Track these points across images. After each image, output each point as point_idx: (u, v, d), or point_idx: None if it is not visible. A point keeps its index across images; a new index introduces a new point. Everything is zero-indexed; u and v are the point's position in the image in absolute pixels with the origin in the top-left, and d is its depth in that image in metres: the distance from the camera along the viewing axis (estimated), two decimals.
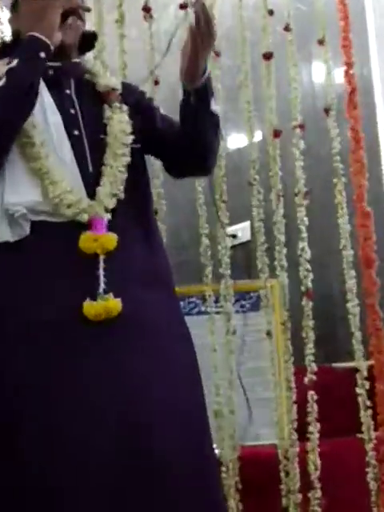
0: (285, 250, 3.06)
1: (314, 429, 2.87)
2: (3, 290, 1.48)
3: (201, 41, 1.55)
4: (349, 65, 3.01)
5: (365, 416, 2.88)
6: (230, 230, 4.12)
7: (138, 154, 1.64)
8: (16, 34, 1.64)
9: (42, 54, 1.45)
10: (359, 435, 2.90)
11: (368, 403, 2.89)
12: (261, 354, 3.28)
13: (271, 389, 3.11)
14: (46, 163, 1.49)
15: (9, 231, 1.47)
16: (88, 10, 1.62)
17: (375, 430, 2.89)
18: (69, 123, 1.55)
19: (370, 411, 2.88)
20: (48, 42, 1.46)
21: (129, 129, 1.62)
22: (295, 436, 2.87)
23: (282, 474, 2.86)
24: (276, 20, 3.47)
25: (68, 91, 1.59)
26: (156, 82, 3.33)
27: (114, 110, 1.62)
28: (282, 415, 3.01)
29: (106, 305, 1.42)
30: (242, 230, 4.23)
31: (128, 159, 1.58)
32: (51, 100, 1.55)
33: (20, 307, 1.45)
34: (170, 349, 1.50)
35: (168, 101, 3.97)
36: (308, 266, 3.04)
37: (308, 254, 3.05)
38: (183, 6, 3.39)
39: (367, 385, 2.92)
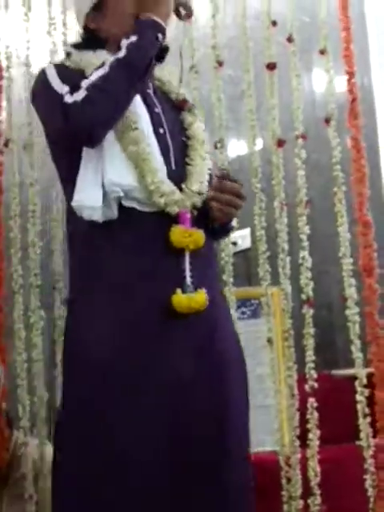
0: (288, 258, 3.12)
1: (314, 436, 2.92)
2: (92, 271, 1.53)
3: (225, 212, 1.55)
4: (350, 74, 3.08)
5: (363, 423, 2.93)
6: (231, 237, 4.19)
7: None
8: (92, 31, 1.68)
9: (160, 36, 1.49)
10: (358, 442, 2.94)
11: (367, 411, 2.94)
12: (261, 361, 3.33)
13: (272, 396, 3.15)
14: (146, 149, 1.52)
15: (100, 211, 1.49)
16: (189, 10, 1.68)
17: (374, 437, 2.94)
18: (155, 121, 1.59)
19: (368, 418, 2.93)
20: (165, 26, 1.51)
21: (206, 137, 1.68)
22: (297, 443, 2.92)
23: (283, 481, 2.91)
24: (278, 30, 3.55)
25: (149, 91, 1.64)
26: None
27: (193, 116, 1.68)
28: (283, 422, 3.06)
29: (196, 298, 1.48)
30: (241, 238, 4.28)
31: (210, 163, 1.65)
32: (139, 97, 1.58)
33: (110, 297, 1.50)
34: (232, 348, 1.62)
35: None
36: (309, 275, 3.10)
37: (309, 263, 3.11)
38: (188, 16, 3.54)
39: (366, 392, 2.97)
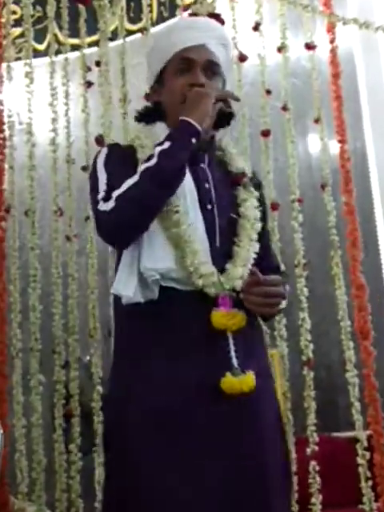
0: (284, 320, 3.16)
1: (317, 500, 2.91)
2: (138, 353, 1.54)
3: (259, 311, 1.54)
4: (342, 142, 3.19)
5: (365, 487, 2.92)
6: None
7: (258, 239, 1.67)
8: (156, 104, 1.72)
9: (193, 140, 1.52)
10: (361, 506, 2.93)
11: (368, 474, 2.93)
12: None
13: None
14: (187, 231, 1.54)
15: (139, 293, 1.52)
16: (237, 99, 1.65)
17: (376, 501, 2.93)
18: (203, 196, 1.60)
19: (370, 482, 2.92)
20: (200, 128, 1.53)
21: (259, 215, 1.65)
22: (296, 508, 2.91)
23: None
24: (274, 96, 3.68)
25: (202, 165, 1.65)
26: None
27: (248, 193, 1.65)
28: None
29: (246, 381, 1.47)
30: None
31: (258, 245, 1.63)
32: (189, 173, 1.59)
33: (155, 379, 1.50)
34: (273, 438, 1.55)
35: None
36: (308, 336, 3.14)
37: (308, 324, 3.16)
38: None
39: (368, 455, 2.97)
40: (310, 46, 3.54)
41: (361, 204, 3.47)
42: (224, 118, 1.67)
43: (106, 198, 1.55)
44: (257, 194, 1.68)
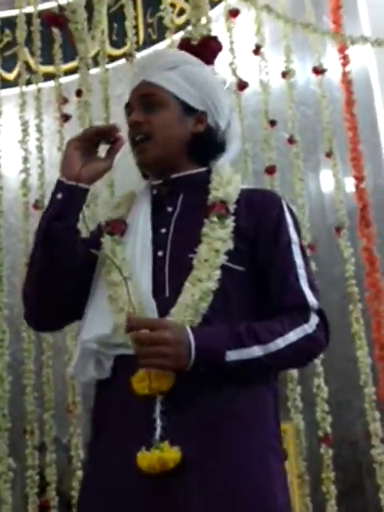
0: (299, 388, 3.14)
1: None
2: (94, 427, 1.62)
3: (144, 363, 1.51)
4: (359, 179, 3.23)
5: None
6: None
7: (239, 276, 1.60)
8: None
9: (59, 195, 1.62)
10: None
11: None
12: None
13: None
14: (118, 291, 1.58)
15: (93, 369, 1.57)
16: (113, 128, 1.65)
17: None
18: (157, 243, 1.64)
19: None
20: (62, 179, 1.62)
21: (224, 247, 1.60)
22: None
23: None
24: (280, 127, 3.74)
25: (169, 209, 1.68)
26: None
27: (214, 225, 1.63)
28: None
29: (159, 456, 1.45)
30: None
31: (211, 284, 1.57)
32: (148, 221, 1.66)
33: (96, 457, 1.58)
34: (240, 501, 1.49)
35: None
36: (325, 407, 3.11)
37: (325, 392, 3.13)
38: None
39: None
40: (318, 71, 3.61)
41: (383, 249, 3.49)
42: (209, 150, 1.70)
43: None
44: (229, 221, 1.62)
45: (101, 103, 3.51)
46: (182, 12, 4.43)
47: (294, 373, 3.15)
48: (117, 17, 4.17)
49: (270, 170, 3.35)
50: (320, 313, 1.60)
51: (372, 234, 3.14)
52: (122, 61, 4.29)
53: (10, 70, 4.27)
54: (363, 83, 3.84)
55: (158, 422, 1.48)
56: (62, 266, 1.62)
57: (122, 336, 1.54)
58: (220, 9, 4.00)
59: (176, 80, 1.71)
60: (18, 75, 3.82)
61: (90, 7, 3.62)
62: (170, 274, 1.60)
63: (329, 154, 3.41)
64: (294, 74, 3.66)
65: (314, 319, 1.58)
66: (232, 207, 1.64)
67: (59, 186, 1.62)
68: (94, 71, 3.63)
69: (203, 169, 1.71)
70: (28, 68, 3.75)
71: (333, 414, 3.28)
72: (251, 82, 3.72)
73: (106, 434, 1.57)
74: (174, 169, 1.69)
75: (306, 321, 1.56)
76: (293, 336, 1.53)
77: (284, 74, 3.66)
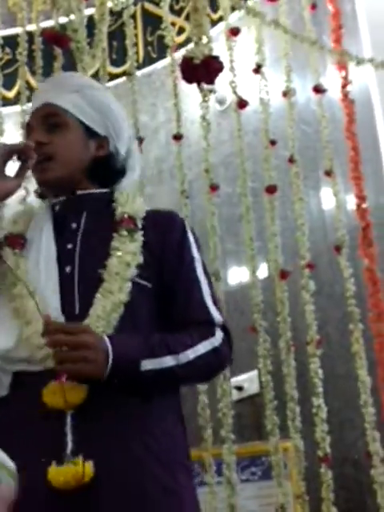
0: (298, 408, 3.20)
1: None
2: None
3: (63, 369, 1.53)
4: (361, 198, 3.30)
5: None
6: (235, 380, 4.26)
7: (147, 290, 1.66)
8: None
9: None
10: None
11: None
12: None
13: None
14: (24, 303, 1.58)
15: None
16: (27, 146, 1.67)
17: None
18: (63, 259, 1.66)
19: None
20: None
21: (135, 261, 1.66)
22: None
23: None
24: (280, 146, 3.82)
25: (74, 225, 1.71)
26: None
27: (122, 239, 1.69)
28: None
29: (74, 470, 1.45)
30: (248, 381, 4.33)
31: (122, 296, 1.62)
32: (51, 237, 1.68)
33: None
34: None
35: None
36: (325, 427, 3.17)
37: (324, 413, 3.19)
38: (176, 137, 3.83)
39: None
40: (318, 90, 3.69)
41: None
42: (105, 170, 1.77)
43: None
44: (138, 235, 1.70)
45: None
46: (181, 30, 4.52)
47: (294, 393, 3.22)
48: (116, 35, 4.26)
49: (271, 189, 3.43)
50: (224, 328, 1.69)
51: (374, 254, 3.20)
52: (122, 79, 4.40)
53: (9, 88, 4.34)
54: (364, 102, 3.92)
55: (69, 437, 1.48)
56: None
57: (25, 350, 1.56)
58: (220, 27, 4.08)
59: (80, 103, 1.77)
60: (19, 93, 3.91)
61: (91, 26, 3.71)
62: (79, 290, 1.63)
63: (328, 173, 3.49)
64: (294, 93, 3.74)
65: (219, 334, 1.66)
66: (139, 223, 1.71)
67: None
68: None
69: (105, 190, 1.77)
70: (28, 86, 3.83)
71: (335, 432, 3.35)
72: (251, 101, 3.81)
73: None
74: (74, 187, 1.74)
75: (213, 335, 1.64)
76: (202, 348, 1.62)
77: (284, 93, 3.74)
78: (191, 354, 1.60)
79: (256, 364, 3.49)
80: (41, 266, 1.65)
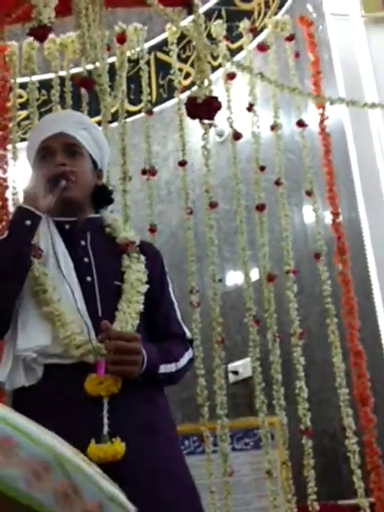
0: (282, 389, 3.20)
1: None
2: None
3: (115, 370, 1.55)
4: (335, 215, 3.30)
5: None
6: (232, 366, 4.28)
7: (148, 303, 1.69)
8: None
9: (28, 222, 1.59)
10: None
11: None
12: (262, 493, 3.34)
13: None
14: (57, 307, 1.58)
15: (23, 376, 1.56)
16: (71, 172, 1.70)
17: None
18: (81, 271, 1.66)
19: None
20: (32, 209, 1.60)
21: (144, 278, 1.70)
22: None
23: None
24: (269, 170, 3.83)
25: (83, 243, 1.71)
26: (152, 230, 3.62)
27: (132, 259, 1.72)
28: None
29: (112, 448, 1.46)
30: (242, 366, 4.35)
31: (141, 306, 1.66)
32: (65, 250, 1.67)
33: None
34: (166, 497, 1.51)
35: (167, 245, 4.30)
36: (306, 405, 3.17)
37: (305, 393, 3.19)
38: (181, 164, 3.85)
39: None
40: (301, 124, 3.70)
41: (357, 272, 3.56)
42: (103, 198, 1.80)
43: None
44: (143, 258, 1.74)
45: (119, 151, 3.60)
46: (187, 75, 4.54)
47: (279, 376, 3.22)
48: (133, 79, 4.28)
49: (260, 207, 3.44)
50: (191, 342, 1.78)
51: (346, 260, 3.21)
52: (139, 115, 4.42)
53: None
54: (339, 134, 3.92)
55: (105, 420, 1.50)
56: (22, 284, 1.62)
57: (59, 347, 1.57)
58: (219, 72, 4.10)
59: (88, 139, 1.80)
60: None
61: (112, 71, 3.73)
62: (100, 298, 1.64)
63: (309, 193, 3.50)
64: (280, 127, 3.75)
65: (190, 347, 1.75)
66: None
67: (27, 214, 1.59)
68: (114, 124, 3.74)
69: (98, 215, 1.80)
70: None
71: (314, 409, 3.34)
72: (245, 133, 3.82)
73: (45, 427, 1.54)
74: (82, 210, 1.75)
75: (189, 348, 1.73)
76: (187, 357, 1.71)
77: (272, 127, 3.75)
78: (182, 362, 1.68)
79: (248, 352, 3.50)
80: (63, 275, 1.64)
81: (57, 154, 1.72)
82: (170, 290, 1.80)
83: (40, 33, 2.54)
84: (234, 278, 4.60)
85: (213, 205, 3.51)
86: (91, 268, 1.68)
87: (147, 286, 1.70)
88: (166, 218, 4.58)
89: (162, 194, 4.76)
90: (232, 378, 4.30)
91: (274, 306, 3.29)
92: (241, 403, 4.12)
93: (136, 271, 1.70)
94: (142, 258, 1.74)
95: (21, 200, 3.60)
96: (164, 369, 1.63)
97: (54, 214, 1.69)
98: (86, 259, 1.69)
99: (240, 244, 3.46)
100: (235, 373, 4.34)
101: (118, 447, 1.48)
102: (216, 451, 3.17)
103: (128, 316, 1.62)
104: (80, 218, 1.73)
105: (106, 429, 1.49)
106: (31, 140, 1.86)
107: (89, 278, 1.65)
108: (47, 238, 1.67)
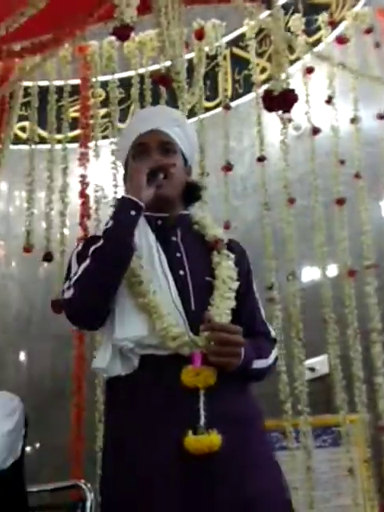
0: (364, 386, 3.16)
1: None
2: (118, 424, 1.59)
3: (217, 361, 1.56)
4: None
5: None
6: (308, 363, 4.24)
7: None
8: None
9: (133, 212, 1.62)
10: None
11: None
12: (343, 491, 3.30)
13: None
14: (153, 298, 1.60)
15: (120, 365, 1.59)
16: (172, 165, 1.73)
17: None
18: (174, 265, 1.67)
19: None
20: (136, 200, 1.62)
21: (235, 275, 1.71)
22: None
23: None
24: (347, 163, 3.78)
25: (174, 238, 1.73)
26: (226, 227, 3.64)
27: (222, 256, 1.73)
28: None
29: (209, 439, 1.48)
30: (320, 364, 4.30)
31: (233, 303, 1.67)
32: (158, 245, 1.68)
33: (132, 446, 1.54)
34: (259, 489, 1.52)
35: (242, 241, 4.29)
36: None
37: None
38: (260, 159, 3.85)
39: None
40: (381, 116, 3.64)
41: None
42: (193, 195, 1.80)
43: (68, 286, 1.65)
44: (232, 256, 1.74)
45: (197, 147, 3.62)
46: (263, 70, 4.51)
47: (360, 373, 3.18)
48: (209, 75, 4.30)
49: (340, 202, 3.40)
50: (274, 341, 1.78)
51: None
52: (215, 111, 4.44)
53: (122, 121, 4.45)
54: None
55: (202, 412, 1.51)
56: (124, 273, 1.63)
57: (155, 338, 1.59)
58: (297, 66, 4.07)
59: (181, 136, 1.81)
60: None
61: (189, 68, 3.77)
62: (193, 291, 1.65)
63: None
64: (360, 120, 3.69)
65: (275, 346, 1.76)
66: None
67: (132, 204, 1.63)
68: (191, 120, 3.77)
69: (187, 212, 1.81)
70: None
71: None
72: (323, 127, 3.78)
73: (140, 418, 1.56)
74: (173, 206, 1.77)
75: (274, 346, 1.74)
76: (274, 355, 1.72)
77: (352, 120, 3.70)
78: (270, 359, 1.70)
79: (326, 349, 3.47)
80: (157, 269, 1.66)
81: (152, 152, 1.75)
82: (255, 290, 1.81)
83: (123, 32, 2.58)
84: (310, 274, 4.56)
85: (291, 200, 3.49)
86: (183, 263, 1.70)
87: (238, 283, 1.70)
88: (241, 213, 4.58)
89: (238, 190, 4.75)
90: (308, 374, 4.27)
91: (354, 301, 3.24)
92: (318, 400, 4.08)
93: (226, 268, 1.72)
94: (232, 255, 1.75)
95: (103, 197, 3.73)
96: (256, 364, 1.64)
97: (145, 210, 1.69)
98: (178, 254, 1.71)
99: (318, 240, 3.43)
100: (312, 370, 4.30)
101: (215, 439, 1.49)
102: (298, 448, 3.16)
103: (221, 311, 1.64)
104: (171, 214, 1.76)
105: (202, 420, 1.50)
106: (125, 134, 1.90)
107: (182, 273, 1.68)
108: (140, 232, 1.68)
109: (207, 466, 1.51)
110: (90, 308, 1.62)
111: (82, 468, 3.20)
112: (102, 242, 1.61)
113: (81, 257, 1.68)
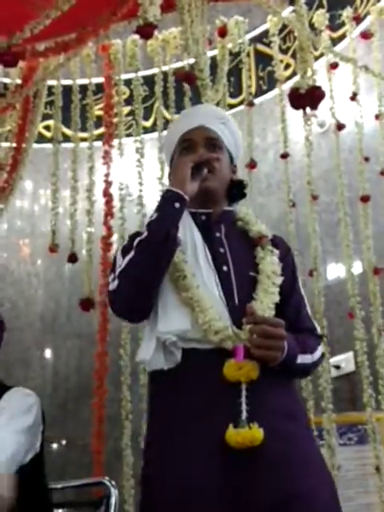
0: None
1: None
2: (160, 418, 1.61)
3: (260, 354, 1.55)
4: None
5: None
6: (334, 360, 4.22)
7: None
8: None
9: (177, 205, 1.63)
10: None
11: None
12: (369, 489, 3.29)
13: None
14: (196, 292, 1.61)
15: (163, 359, 1.60)
16: (217, 159, 1.74)
17: None
18: (218, 260, 1.68)
19: None
20: (181, 192, 1.63)
21: (279, 270, 1.72)
22: None
23: None
24: (372, 160, 3.75)
25: (218, 234, 1.74)
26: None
27: (266, 252, 1.74)
28: None
29: (251, 433, 1.48)
30: (345, 361, 4.28)
31: (277, 298, 1.68)
32: (202, 240, 1.70)
33: (173, 439, 1.56)
34: (305, 486, 1.50)
35: None
36: None
37: None
38: (283, 156, 3.84)
39: None
40: None
41: None
42: (238, 192, 1.80)
43: (113, 278, 1.66)
44: (277, 252, 1.75)
45: None
46: (287, 66, 4.50)
47: None
48: (233, 72, 4.30)
49: (365, 199, 3.38)
50: (320, 337, 1.75)
51: None
52: (238, 108, 4.44)
53: (146, 119, 4.46)
54: None
55: (244, 406, 1.51)
56: (168, 265, 1.64)
57: (198, 332, 1.59)
58: (322, 62, 4.05)
59: (227, 134, 1.81)
60: (154, 123, 4.02)
61: (212, 65, 3.76)
62: (237, 285, 1.66)
63: None
64: None
65: (321, 343, 1.73)
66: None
67: (176, 197, 1.64)
68: None
69: (231, 208, 1.81)
70: (162, 117, 3.92)
71: None
72: (348, 123, 3.76)
73: (182, 413, 1.57)
74: (217, 202, 1.77)
75: (320, 343, 1.72)
76: (319, 351, 1.70)
77: (377, 116, 3.67)
78: (316, 355, 1.68)
79: (352, 346, 3.45)
80: (201, 264, 1.67)
81: (198, 147, 1.76)
82: (300, 285, 1.80)
83: (146, 31, 2.59)
84: (335, 271, 4.54)
85: (315, 197, 3.48)
86: (227, 258, 1.71)
87: (282, 278, 1.71)
88: (265, 210, 4.58)
89: (262, 187, 4.75)
90: (334, 372, 4.25)
91: (379, 299, 3.22)
92: (343, 398, 4.07)
93: (270, 263, 1.72)
94: (276, 251, 1.76)
95: (128, 196, 3.73)
96: (301, 359, 1.63)
97: (189, 205, 1.69)
98: (221, 250, 1.72)
99: (342, 237, 3.41)
100: (337, 367, 4.28)
101: (257, 433, 1.49)
102: (322, 445, 3.15)
103: (265, 306, 1.64)
104: (215, 210, 1.76)
105: (244, 414, 1.50)
106: (171, 131, 1.92)
107: (225, 268, 1.68)
108: (184, 226, 1.69)
109: (251, 461, 1.51)
110: (134, 299, 1.62)
111: (103, 465, 3.22)
112: (146, 233, 1.62)
113: (126, 249, 1.69)
